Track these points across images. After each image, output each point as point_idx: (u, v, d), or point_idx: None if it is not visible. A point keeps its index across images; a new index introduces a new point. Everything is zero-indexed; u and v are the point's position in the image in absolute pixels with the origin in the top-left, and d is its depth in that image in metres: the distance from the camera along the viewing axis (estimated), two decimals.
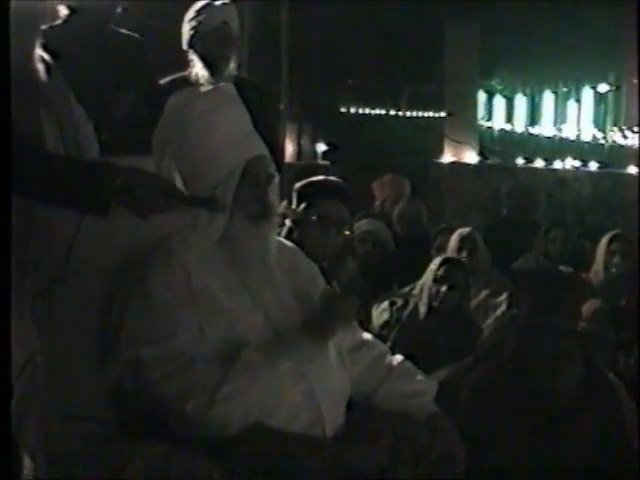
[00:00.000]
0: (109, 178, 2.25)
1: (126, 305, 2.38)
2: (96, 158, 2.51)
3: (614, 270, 4.97)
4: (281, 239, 2.75)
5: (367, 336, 2.77)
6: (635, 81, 9.50)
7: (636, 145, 10.17)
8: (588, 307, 4.13)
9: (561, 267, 4.82)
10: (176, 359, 2.30)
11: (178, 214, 2.40)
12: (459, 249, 5.00)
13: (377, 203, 7.03)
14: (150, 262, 2.41)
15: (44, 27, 2.59)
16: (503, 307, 4.55)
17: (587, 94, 10.91)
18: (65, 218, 2.39)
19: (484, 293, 4.80)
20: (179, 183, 2.48)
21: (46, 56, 2.58)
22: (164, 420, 2.32)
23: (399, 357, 2.72)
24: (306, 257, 2.73)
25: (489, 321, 4.46)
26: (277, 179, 2.56)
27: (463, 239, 5.05)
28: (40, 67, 2.54)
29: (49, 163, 2.30)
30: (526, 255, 5.65)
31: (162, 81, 4.06)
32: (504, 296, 4.62)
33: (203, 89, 2.59)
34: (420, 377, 2.69)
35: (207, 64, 4.12)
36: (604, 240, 5.14)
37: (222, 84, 2.63)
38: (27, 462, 2.38)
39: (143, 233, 2.46)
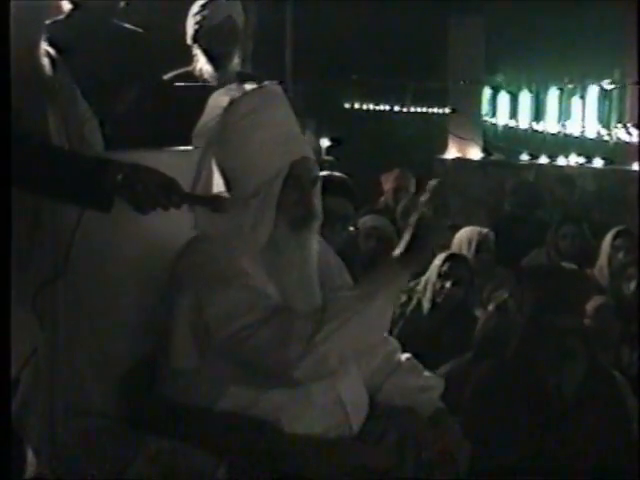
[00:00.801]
0: (111, 174, 2.24)
1: (199, 296, 2.31)
2: (99, 154, 2.50)
3: (618, 266, 4.96)
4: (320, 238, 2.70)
5: None
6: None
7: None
8: (592, 304, 4.12)
9: (564, 263, 4.80)
10: (268, 311, 2.26)
11: (215, 218, 2.37)
12: (477, 250, 4.98)
13: (382, 199, 7.02)
14: (210, 250, 2.36)
15: (48, 22, 2.60)
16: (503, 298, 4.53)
17: (592, 91, 10.88)
18: (69, 213, 2.39)
19: (487, 289, 4.79)
20: (221, 184, 2.44)
21: (51, 51, 2.58)
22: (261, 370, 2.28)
23: (407, 354, 2.71)
24: (337, 256, 2.69)
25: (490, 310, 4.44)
26: (320, 181, 2.51)
27: (482, 241, 5.03)
28: (45, 62, 2.54)
29: (52, 157, 2.30)
30: (536, 251, 5.64)
31: (166, 76, 4.05)
32: (506, 290, 4.60)
33: (247, 87, 2.52)
34: (427, 373, 2.69)
35: (211, 59, 4.11)
36: (608, 236, 5.13)
37: (267, 82, 2.55)
38: (30, 457, 2.38)
39: (152, 227, 2.46)
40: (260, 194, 2.37)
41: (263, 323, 2.24)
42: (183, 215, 2.42)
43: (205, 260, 2.35)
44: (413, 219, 2.32)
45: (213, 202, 2.38)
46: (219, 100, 2.49)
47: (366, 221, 5.44)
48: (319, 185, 2.48)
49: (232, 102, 2.46)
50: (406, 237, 2.32)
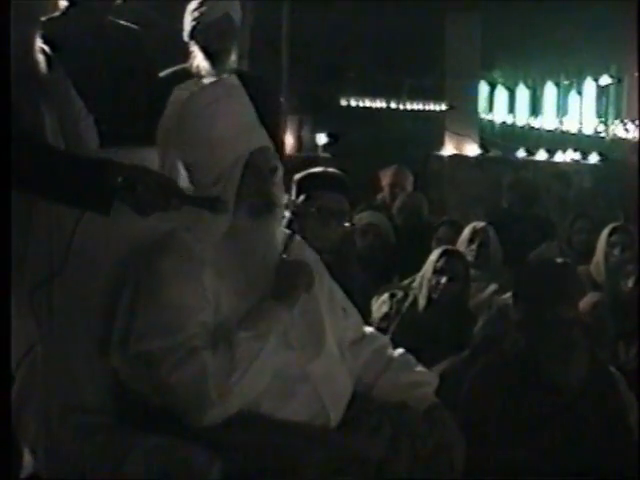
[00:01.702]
0: (111, 176, 2.25)
1: (136, 298, 2.35)
2: (98, 155, 2.50)
3: (615, 262, 4.96)
4: (286, 231, 2.73)
5: (369, 329, 2.77)
6: (636, 74, 9.49)
7: (637, 137, 10.16)
8: (588, 300, 4.12)
9: (559, 258, 4.80)
10: (184, 349, 2.27)
11: (183, 210, 2.40)
12: (470, 241, 4.99)
13: (379, 195, 7.02)
14: (163, 255, 2.39)
15: (43, 19, 2.59)
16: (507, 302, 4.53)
17: (589, 86, 10.90)
18: (65, 213, 2.39)
19: (491, 288, 4.79)
20: (183, 175, 2.48)
21: (46, 48, 2.58)
22: (171, 412, 2.30)
23: (400, 350, 2.72)
24: (312, 251, 2.71)
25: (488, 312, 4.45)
26: (281, 172, 2.54)
27: (475, 232, 5.04)
28: (41, 59, 2.54)
29: (51, 158, 2.30)
30: (548, 243, 5.63)
31: (162, 73, 4.05)
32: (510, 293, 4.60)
33: (206, 81, 2.56)
34: (421, 369, 2.69)
35: (208, 56, 4.10)
36: (604, 232, 5.13)
37: (225, 76, 2.63)
38: (27, 453, 2.39)
39: (147, 227, 2.46)
40: (220, 183, 2.40)
41: (188, 351, 2.27)
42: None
43: (156, 265, 2.38)
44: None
45: (212, 203, 2.39)
46: (179, 96, 2.54)
47: (362, 217, 5.45)
48: (279, 174, 2.51)
49: (191, 95, 2.51)
50: (276, 280, 2.42)
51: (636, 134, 10.23)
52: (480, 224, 5.13)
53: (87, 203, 2.29)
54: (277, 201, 2.49)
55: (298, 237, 2.70)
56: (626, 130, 10.45)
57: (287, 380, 2.37)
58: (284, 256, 2.49)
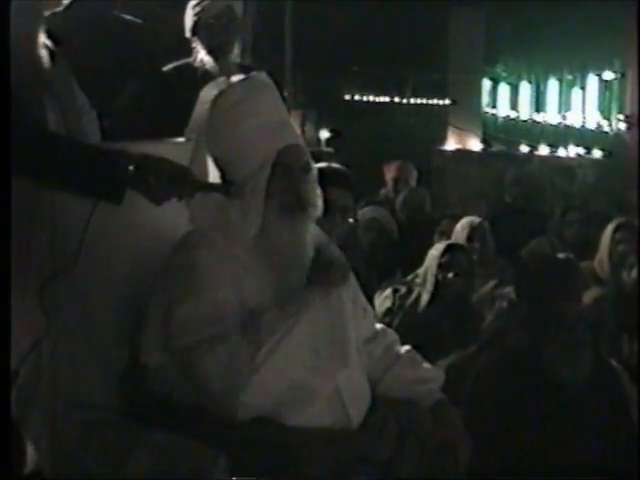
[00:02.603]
0: (123, 165, 2.24)
1: (172, 295, 2.36)
2: (108, 145, 2.49)
3: (619, 258, 4.95)
4: (320, 232, 2.70)
5: (380, 326, 2.77)
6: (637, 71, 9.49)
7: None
8: (591, 295, 4.12)
9: (561, 254, 4.79)
10: (223, 344, 2.28)
11: (209, 210, 2.39)
12: (469, 239, 4.98)
13: (382, 190, 7.02)
14: (195, 252, 2.38)
15: (47, 13, 2.59)
16: (510, 296, 4.53)
17: (592, 81, 10.87)
18: (69, 206, 2.39)
19: (491, 283, 4.78)
20: (214, 173, 2.46)
21: (49, 43, 2.58)
22: (203, 407, 2.31)
23: (406, 346, 2.72)
24: (340, 251, 2.67)
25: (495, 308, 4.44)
26: (315, 171, 2.51)
27: (474, 229, 5.03)
28: (44, 54, 2.53)
29: (62, 149, 2.30)
30: (536, 240, 5.62)
31: (165, 68, 4.04)
32: (511, 287, 4.60)
33: (235, 79, 2.54)
34: (426, 365, 2.69)
35: (211, 50, 4.10)
36: (609, 228, 5.11)
37: (254, 73, 2.57)
38: (30, 449, 2.38)
39: (167, 226, 2.46)
40: (250, 182, 2.38)
41: (218, 343, 2.28)
42: (181, 208, 2.42)
43: (186, 261, 2.38)
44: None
45: (226, 188, 2.37)
46: (208, 94, 2.54)
47: (365, 213, 5.45)
48: (313, 173, 2.48)
49: (220, 94, 2.49)
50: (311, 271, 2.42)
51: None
52: (477, 220, 5.12)
53: (98, 192, 2.29)
54: (309, 200, 2.45)
55: (321, 231, 2.67)
56: (628, 125, 10.43)
57: (312, 386, 2.37)
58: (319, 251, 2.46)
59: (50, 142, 2.29)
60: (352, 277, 2.63)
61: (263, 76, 2.55)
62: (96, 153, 2.33)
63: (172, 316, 2.33)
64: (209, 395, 2.31)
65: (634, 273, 4.54)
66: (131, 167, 2.23)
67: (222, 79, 2.58)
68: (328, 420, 2.36)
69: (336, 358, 2.42)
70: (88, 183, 2.27)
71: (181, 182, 2.28)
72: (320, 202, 2.52)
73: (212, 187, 2.41)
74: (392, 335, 2.72)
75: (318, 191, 2.51)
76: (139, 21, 3.57)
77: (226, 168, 2.44)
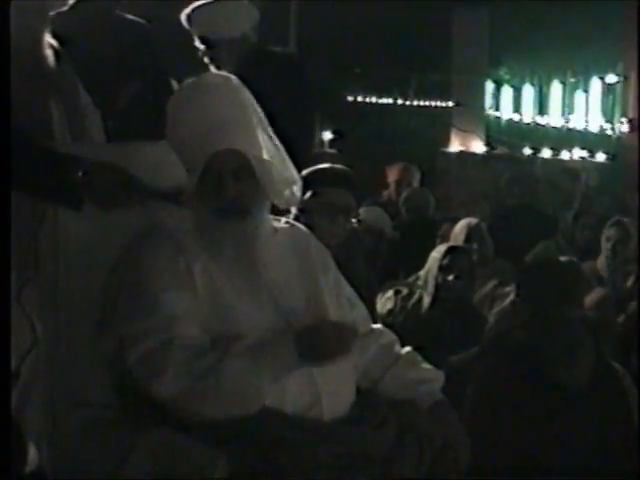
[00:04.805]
0: (74, 172, 2.25)
1: (121, 284, 2.37)
2: (65, 149, 2.46)
3: (610, 257, 4.99)
4: (296, 224, 2.71)
5: (377, 325, 2.77)
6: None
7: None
8: (594, 295, 4.13)
9: (562, 257, 4.80)
10: (155, 336, 2.28)
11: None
12: (467, 240, 4.99)
13: (385, 192, 7.03)
14: (144, 242, 2.40)
15: (52, 13, 2.60)
16: (511, 297, 4.54)
17: (595, 84, 10.87)
18: (45, 209, 2.40)
19: (491, 283, 4.79)
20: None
21: (55, 43, 2.58)
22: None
23: (407, 347, 2.72)
24: (319, 242, 2.68)
25: (495, 310, 4.45)
26: (258, 174, 2.41)
27: (472, 230, 5.04)
28: (49, 54, 2.54)
29: (27, 152, 2.29)
30: (546, 241, 5.62)
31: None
32: (511, 286, 4.61)
33: (187, 81, 2.54)
34: (427, 365, 2.69)
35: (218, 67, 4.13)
36: (606, 228, 5.16)
37: (203, 74, 2.57)
38: (31, 449, 2.39)
39: (141, 221, 2.47)
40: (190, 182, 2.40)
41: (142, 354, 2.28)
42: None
43: (133, 266, 2.39)
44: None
45: (174, 197, 2.38)
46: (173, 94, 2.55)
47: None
48: (254, 174, 2.41)
49: (172, 96, 2.51)
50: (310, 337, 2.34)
51: None
52: (474, 221, 5.13)
53: (57, 198, 2.30)
54: (244, 204, 2.40)
55: (305, 229, 2.68)
56: (630, 124, 10.42)
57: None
58: (330, 318, 2.43)
59: (18, 146, 2.28)
60: (333, 267, 2.63)
61: (213, 77, 2.57)
62: (52, 158, 2.33)
63: (121, 332, 2.33)
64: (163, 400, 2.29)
65: (630, 280, 4.56)
66: (80, 173, 2.24)
67: (187, 81, 2.59)
68: (300, 406, 2.35)
69: None
70: (47, 189, 2.28)
71: (127, 189, 2.28)
72: (273, 197, 2.48)
73: (159, 196, 2.41)
74: (391, 335, 2.73)
75: (261, 194, 2.46)
76: (142, 21, 3.57)
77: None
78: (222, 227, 2.40)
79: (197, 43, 4.09)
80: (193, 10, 3.97)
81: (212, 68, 4.08)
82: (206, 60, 4.09)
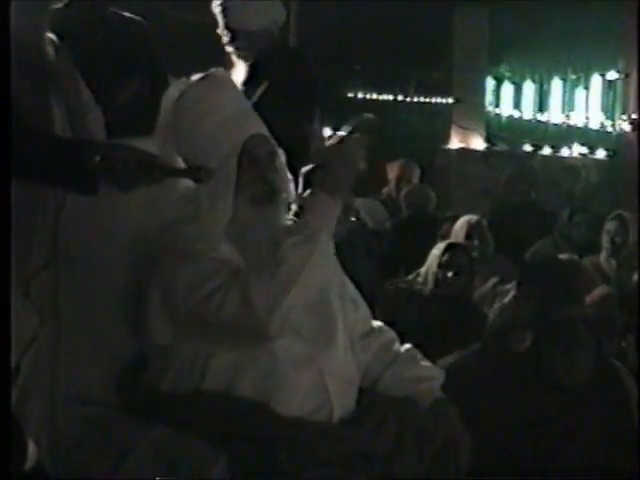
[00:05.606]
0: (90, 155, 2.24)
1: (167, 269, 2.37)
2: (77, 137, 2.49)
3: (610, 251, 4.99)
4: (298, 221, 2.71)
5: (377, 323, 2.77)
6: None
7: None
8: (596, 293, 4.11)
9: (562, 255, 4.79)
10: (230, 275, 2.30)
11: (179, 206, 2.39)
12: (467, 237, 4.98)
13: (385, 189, 7.03)
14: (170, 262, 2.39)
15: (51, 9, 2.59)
16: (512, 294, 4.53)
17: (596, 81, 10.85)
18: (48, 199, 2.39)
19: (492, 281, 4.79)
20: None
21: (55, 38, 2.58)
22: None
23: (407, 345, 2.72)
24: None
25: (496, 305, 4.44)
26: (283, 157, 2.54)
27: (472, 227, 5.03)
28: (50, 50, 2.53)
29: (32, 141, 2.29)
30: (544, 239, 5.61)
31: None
32: (512, 284, 4.60)
33: (195, 78, 2.58)
34: (427, 363, 2.69)
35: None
36: (606, 222, 5.16)
37: (213, 69, 2.61)
38: (31, 445, 2.38)
39: (150, 218, 2.46)
40: (217, 175, 2.39)
41: (228, 286, 2.29)
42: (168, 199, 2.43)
43: (174, 238, 2.40)
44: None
45: (195, 173, 2.38)
46: (170, 95, 2.56)
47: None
48: (281, 160, 2.52)
49: (181, 94, 2.54)
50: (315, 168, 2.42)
51: None
52: (474, 218, 5.13)
53: (70, 184, 2.29)
54: (278, 187, 2.49)
55: None
56: (632, 125, 10.41)
57: (295, 369, 2.37)
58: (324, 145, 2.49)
59: (18, 135, 2.27)
60: (339, 268, 2.64)
61: (221, 72, 2.61)
62: (63, 145, 2.33)
63: (172, 286, 2.34)
64: (235, 336, 2.32)
65: (636, 276, 4.54)
66: (97, 157, 2.23)
67: (183, 79, 2.62)
68: (309, 405, 2.36)
69: (319, 339, 2.43)
70: (59, 176, 2.27)
71: (149, 167, 2.28)
72: (291, 187, 2.57)
73: (181, 172, 2.42)
74: (390, 333, 2.73)
75: (288, 177, 2.56)
76: (139, 18, 3.55)
77: (192, 163, 2.46)
78: (257, 214, 2.43)
79: (222, 32, 4.17)
80: (227, 1, 4.12)
81: (234, 58, 4.15)
82: (229, 49, 4.17)
